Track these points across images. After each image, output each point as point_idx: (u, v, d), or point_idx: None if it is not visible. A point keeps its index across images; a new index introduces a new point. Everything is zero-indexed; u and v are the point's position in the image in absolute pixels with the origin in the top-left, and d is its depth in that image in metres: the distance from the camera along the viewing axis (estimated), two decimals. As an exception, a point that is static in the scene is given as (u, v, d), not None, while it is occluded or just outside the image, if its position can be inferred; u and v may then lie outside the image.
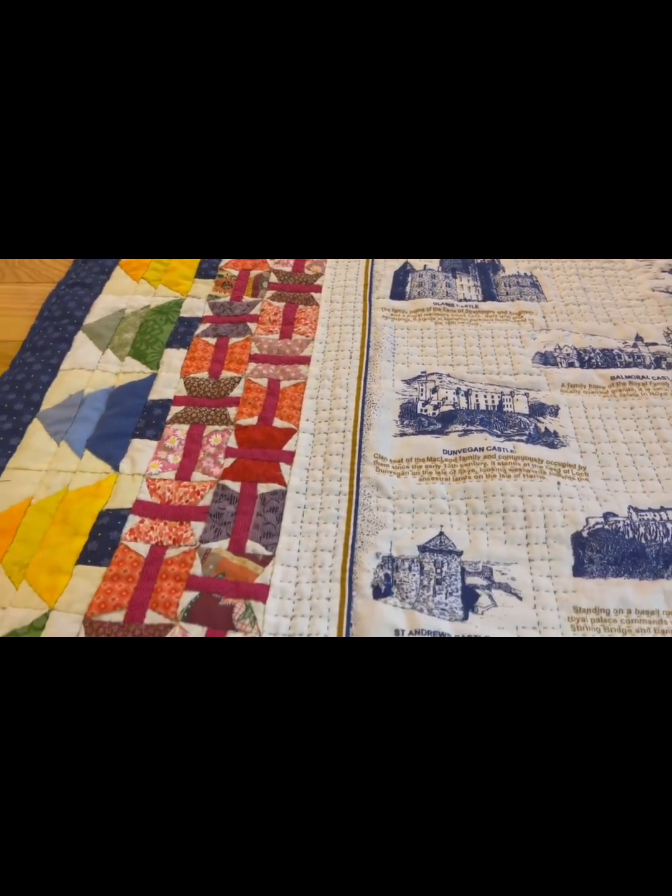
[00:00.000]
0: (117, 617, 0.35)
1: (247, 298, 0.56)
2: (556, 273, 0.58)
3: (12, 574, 0.37)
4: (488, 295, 0.56)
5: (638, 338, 0.51)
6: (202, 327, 0.53)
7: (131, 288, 0.57)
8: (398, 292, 0.56)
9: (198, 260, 0.60)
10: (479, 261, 0.59)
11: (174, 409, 0.46)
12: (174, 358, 0.50)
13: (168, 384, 0.48)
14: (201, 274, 0.58)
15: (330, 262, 0.60)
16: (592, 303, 0.55)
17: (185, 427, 0.45)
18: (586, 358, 0.50)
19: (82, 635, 0.34)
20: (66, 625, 0.34)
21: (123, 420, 0.45)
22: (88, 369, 0.49)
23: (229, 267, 0.59)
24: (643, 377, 0.48)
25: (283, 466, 0.42)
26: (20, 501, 0.40)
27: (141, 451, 0.43)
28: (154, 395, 0.47)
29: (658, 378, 0.48)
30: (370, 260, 0.60)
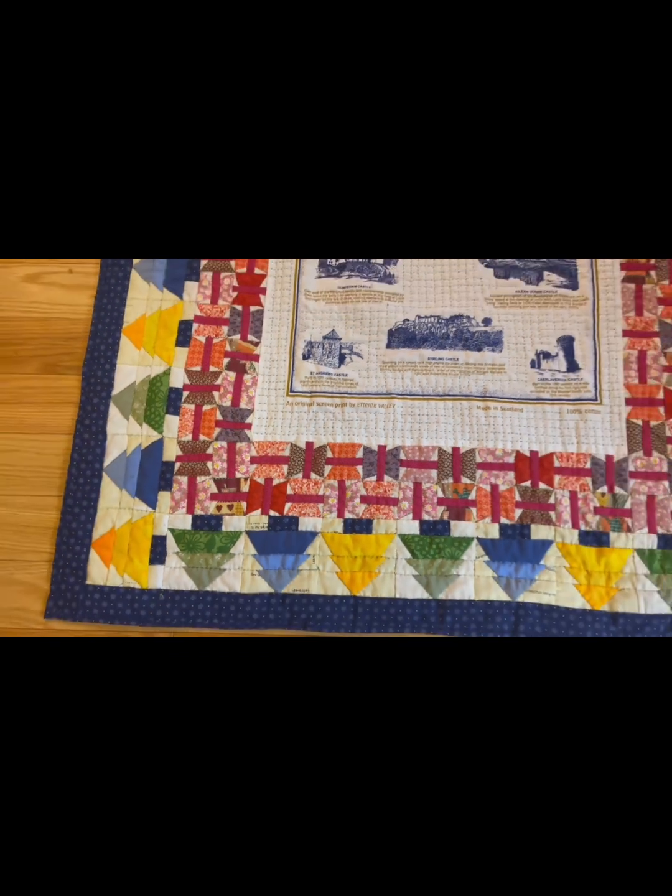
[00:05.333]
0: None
1: (212, 368, 0.87)
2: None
3: (119, 568, 0.80)
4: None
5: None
6: (186, 394, 0.86)
7: (136, 358, 0.88)
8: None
9: (178, 321, 0.89)
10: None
11: (177, 465, 0.84)
12: (171, 423, 0.85)
13: (171, 448, 0.84)
14: (180, 342, 0.88)
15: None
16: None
17: (185, 478, 0.83)
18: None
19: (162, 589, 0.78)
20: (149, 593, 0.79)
21: (151, 474, 0.83)
22: (123, 434, 0.85)
23: (198, 333, 0.89)
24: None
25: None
26: (108, 529, 0.81)
27: (163, 498, 0.82)
28: (165, 456, 0.84)
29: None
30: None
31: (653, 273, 0.88)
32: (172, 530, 0.81)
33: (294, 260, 0.92)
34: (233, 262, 0.92)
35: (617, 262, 0.89)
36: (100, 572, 0.80)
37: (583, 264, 0.89)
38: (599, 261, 0.89)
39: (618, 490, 0.81)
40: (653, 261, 0.88)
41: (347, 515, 0.81)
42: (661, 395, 0.83)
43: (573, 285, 0.89)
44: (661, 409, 0.83)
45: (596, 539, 0.79)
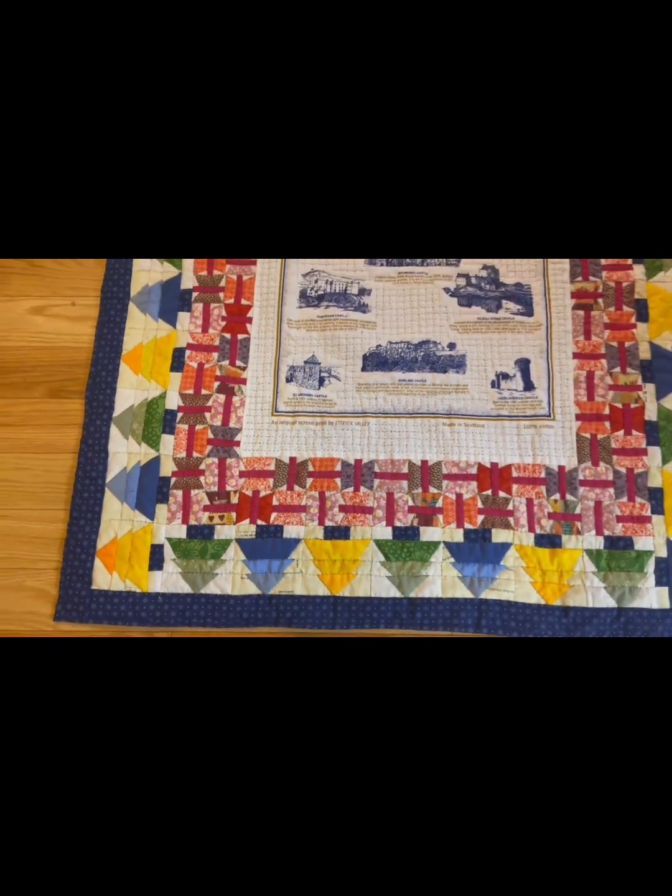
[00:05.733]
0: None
1: (203, 391, 0.96)
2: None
3: (121, 574, 0.88)
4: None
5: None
6: (180, 415, 0.95)
7: (134, 382, 0.96)
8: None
9: (172, 348, 0.98)
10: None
11: (173, 480, 0.92)
12: (167, 442, 0.94)
13: (167, 464, 0.93)
14: (174, 368, 0.97)
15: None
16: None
17: (180, 492, 0.92)
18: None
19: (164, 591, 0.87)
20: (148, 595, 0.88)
21: (149, 489, 0.92)
22: (123, 452, 0.93)
23: (191, 359, 0.98)
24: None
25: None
26: (111, 539, 0.90)
27: (160, 510, 0.91)
28: (162, 472, 0.93)
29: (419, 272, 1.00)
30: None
31: (600, 301, 0.98)
32: (169, 539, 0.90)
33: (277, 291, 1.01)
34: (221, 294, 1.01)
35: (568, 290, 0.99)
36: (104, 578, 0.88)
37: (537, 293, 0.99)
38: (551, 290, 0.99)
39: (569, 497, 0.90)
40: (600, 289, 0.98)
41: (327, 523, 0.90)
42: (607, 411, 0.93)
43: (529, 312, 0.98)
44: (608, 424, 0.92)
45: (549, 541, 0.88)
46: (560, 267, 1.00)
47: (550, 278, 0.99)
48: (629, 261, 0.99)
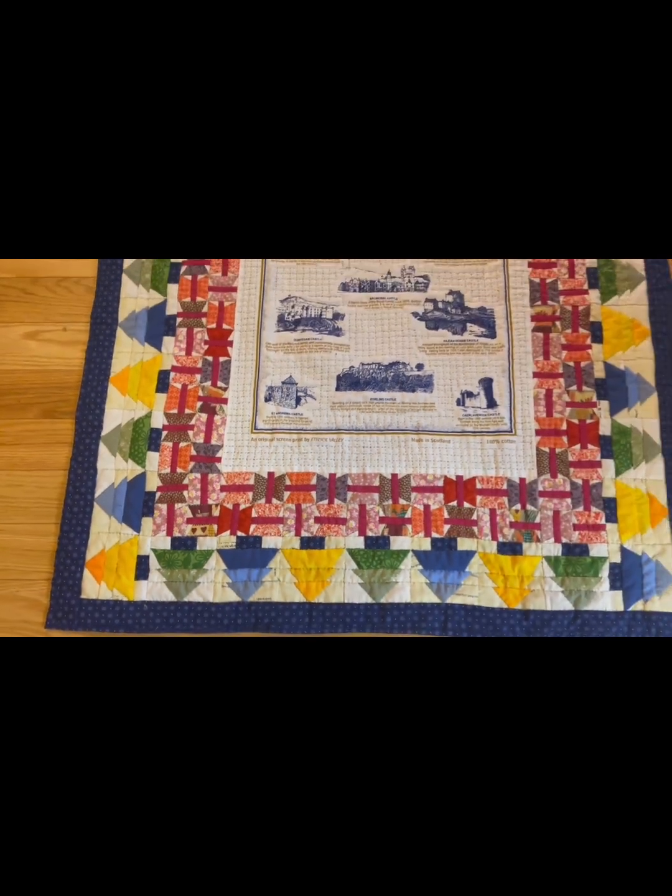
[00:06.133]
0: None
1: (187, 410, 1.02)
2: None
3: (109, 584, 0.94)
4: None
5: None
6: (165, 433, 1.01)
7: (121, 403, 1.02)
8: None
9: (157, 371, 1.04)
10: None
11: (157, 494, 0.98)
12: (152, 459, 1.00)
13: (152, 480, 0.99)
14: (159, 389, 1.03)
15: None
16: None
17: (164, 505, 0.98)
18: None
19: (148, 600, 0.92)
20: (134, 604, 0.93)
21: (135, 503, 0.97)
22: (111, 469, 0.99)
23: (175, 381, 1.04)
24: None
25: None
26: (99, 550, 0.95)
27: (146, 523, 0.97)
28: (147, 487, 0.98)
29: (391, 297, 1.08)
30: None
31: (558, 323, 1.05)
32: (154, 550, 0.95)
33: (257, 316, 1.08)
34: (204, 319, 1.07)
35: (528, 313, 1.06)
36: (92, 588, 0.94)
37: (500, 317, 1.06)
38: (513, 314, 1.06)
39: (529, 507, 0.96)
40: (558, 312, 1.05)
41: (303, 534, 0.96)
42: (564, 427, 0.99)
43: (492, 335, 1.05)
44: (565, 439, 0.99)
45: (511, 549, 0.94)
46: (521, 291, 1.07)
47: (512, 302, 1.06)
48: (585, 286, 1.06)
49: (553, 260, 1.08)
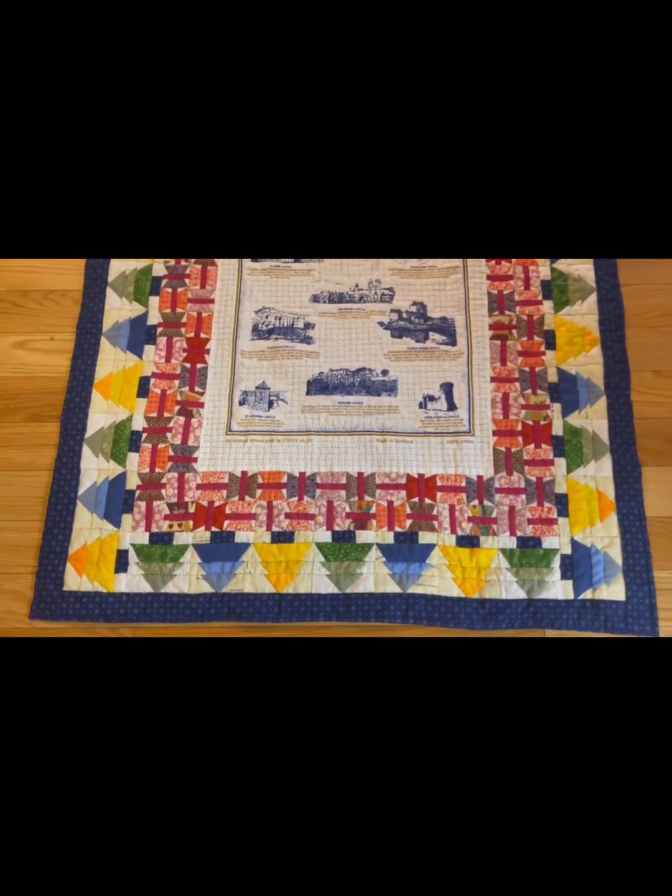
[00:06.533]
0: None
1: (165, 414, 1.09)
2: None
3: (90, 577, 0.99)
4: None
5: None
6: (144, 435, 1.07)
7: (104, 407, 1.09)
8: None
9: (138, 377, 1.11)
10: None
11: (137, 493, 1.04)
12: (133, 459, 1.06)
13: (132, 479, 1.05)
14: (140, 394, 1.10)
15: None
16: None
17: (143, 503, 1.04)
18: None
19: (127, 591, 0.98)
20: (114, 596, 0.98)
21: (116, 501, 1.03)
22: (93, 469, 1.05)
23: (155, 386, 1.10)
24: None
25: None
26: (81, 545, 1.01)
27: (126, 519, 1.03)
28: (128, 486, 1.04)
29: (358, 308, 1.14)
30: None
31: (514, 332, 1.12)
32: (133, 545, 1.01)
33: (232, 326, 1.14)
34: (183, 329, 1.14)
35: (486, 323, 1.13)
36: (74, 580, 0.99)
37: (460, 326, 1.13)
38: (472, 323, 1.13)
39: (486, 503, 1.02)
40: (514, 321, 1.12)
41: (274, 528, 1.02)
42: (519, 428, 1.06)
43: (452, 342, 1.12)
44: (520, 439, 1.05)
45: (469, 542, 1.00)
46: (480, 302, 1.14)
47: (471, 312, 1.14)
48: (540, 296, 1.14)
49: (510, 273, 1.15)
